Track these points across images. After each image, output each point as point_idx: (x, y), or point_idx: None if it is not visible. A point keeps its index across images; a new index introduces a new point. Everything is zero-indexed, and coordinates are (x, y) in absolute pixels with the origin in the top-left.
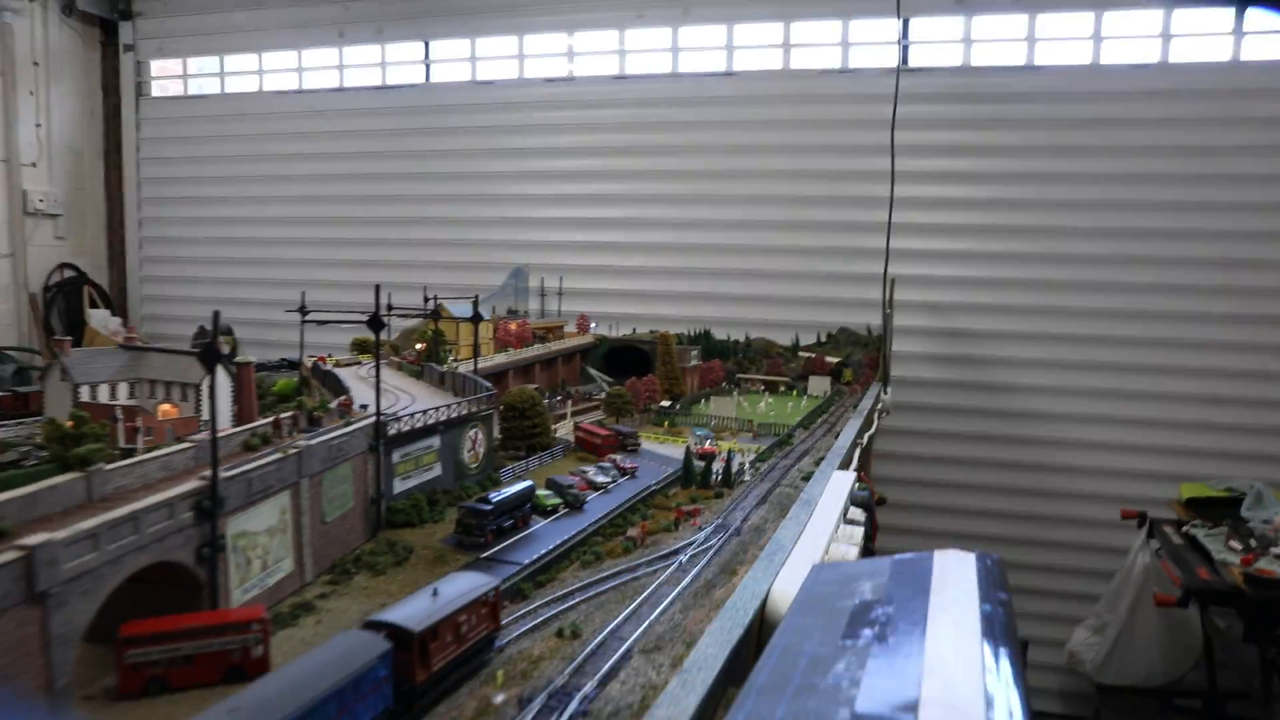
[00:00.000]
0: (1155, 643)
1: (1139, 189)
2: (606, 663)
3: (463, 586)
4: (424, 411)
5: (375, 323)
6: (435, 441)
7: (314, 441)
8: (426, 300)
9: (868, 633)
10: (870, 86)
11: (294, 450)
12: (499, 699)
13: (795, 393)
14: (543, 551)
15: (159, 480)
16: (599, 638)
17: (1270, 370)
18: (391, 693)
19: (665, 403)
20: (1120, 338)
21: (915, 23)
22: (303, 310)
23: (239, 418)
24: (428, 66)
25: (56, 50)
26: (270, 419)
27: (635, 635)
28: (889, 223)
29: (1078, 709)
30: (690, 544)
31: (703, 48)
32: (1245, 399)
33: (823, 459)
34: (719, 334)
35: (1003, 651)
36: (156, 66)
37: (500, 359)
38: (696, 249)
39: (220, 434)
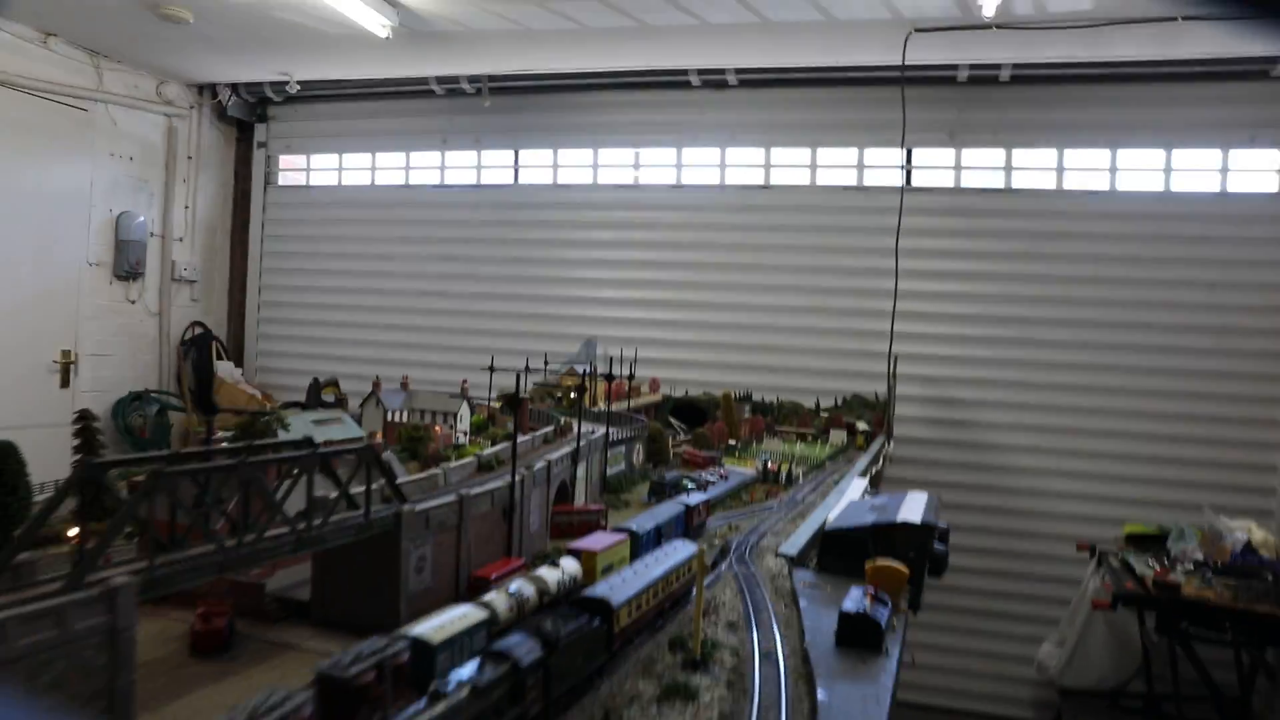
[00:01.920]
0: (1105, 651)
1: (1091, 288)
2: (753, 536)
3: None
4: (620, 432)
5: (514, 399)
6: (623, 449)
7: (587, 441)
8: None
9: (876, 501)
10: (880, 201)
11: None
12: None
13: (820, 442)
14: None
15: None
16: (750, 529)
17: (1196, 436)
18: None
19: (731, 442)
20: (1078, 407)
21: (917, 152)
22: (491, 368)
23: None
24: (517, 171)
25: (206, 146)
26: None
27: (770, 524)
28: (893, 311)
29: (1044, 713)
30: (777, 504)
31: (745, 165)
32: (1178, 459)
33: (844, 475)
34: (756, 396)
35: (930, 511)
36: (284, 160)
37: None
38: (738, 327)
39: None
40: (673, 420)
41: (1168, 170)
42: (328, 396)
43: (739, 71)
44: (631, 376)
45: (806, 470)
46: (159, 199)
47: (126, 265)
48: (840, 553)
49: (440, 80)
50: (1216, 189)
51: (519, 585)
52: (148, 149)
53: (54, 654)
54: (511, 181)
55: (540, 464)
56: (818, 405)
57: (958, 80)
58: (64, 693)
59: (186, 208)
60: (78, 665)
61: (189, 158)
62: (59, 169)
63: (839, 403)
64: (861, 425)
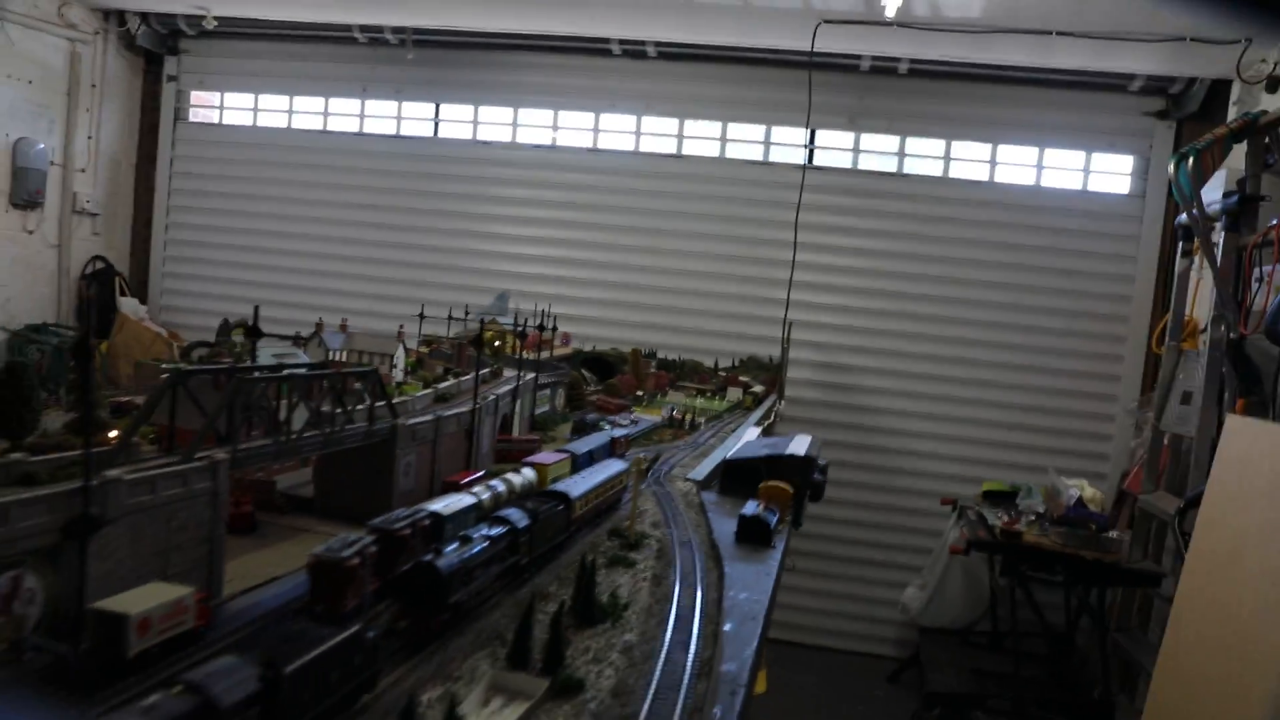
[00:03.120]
0: (961, 593)
1: (965, 269)
2: (664, 466)
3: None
4: (548, 375)
5: (478, 340)
6: (549, 392)
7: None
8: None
9: (768, 440)
10: (783, 177)
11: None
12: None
13: (717, 398)
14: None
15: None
16: (662, 460)
17: (1047, 407)
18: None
19: (639, 393)
20: (949, 376)
21: (820, 133)
22: (421, 315)
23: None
24: (437, 124)
25: (111, 75)
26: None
27: (678, 458)
28: (790, 280)
29: (904, 650)
30: (683, 444)
31: (660, 134)
32: (1031, 426)
33: (741, 424)
34: (661, 354)
35: (813, 448)
36: (195, 97)
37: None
38: (646, 289)
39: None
40: (584, 372)
41: (1039, 166)
42: (236, 337)
43: (658, 44)
44: (546, 329)
45: (707, 420)
46: (60, 127)
47: (24, 194)
48: (738, 479)
49: (364, 29)
50: (1079, 186)
51: (495, 484)
52: (49, 73)
53: (179, 506)
54: (431, 134)
55: (491, 396)
56: (716, 365)
57: (860, 69)
58: (186, 534)
59: (90, 138)
60: (193, 516)
61: (93, 86)
62: None
63: (736, 363)
64: (755, 387)
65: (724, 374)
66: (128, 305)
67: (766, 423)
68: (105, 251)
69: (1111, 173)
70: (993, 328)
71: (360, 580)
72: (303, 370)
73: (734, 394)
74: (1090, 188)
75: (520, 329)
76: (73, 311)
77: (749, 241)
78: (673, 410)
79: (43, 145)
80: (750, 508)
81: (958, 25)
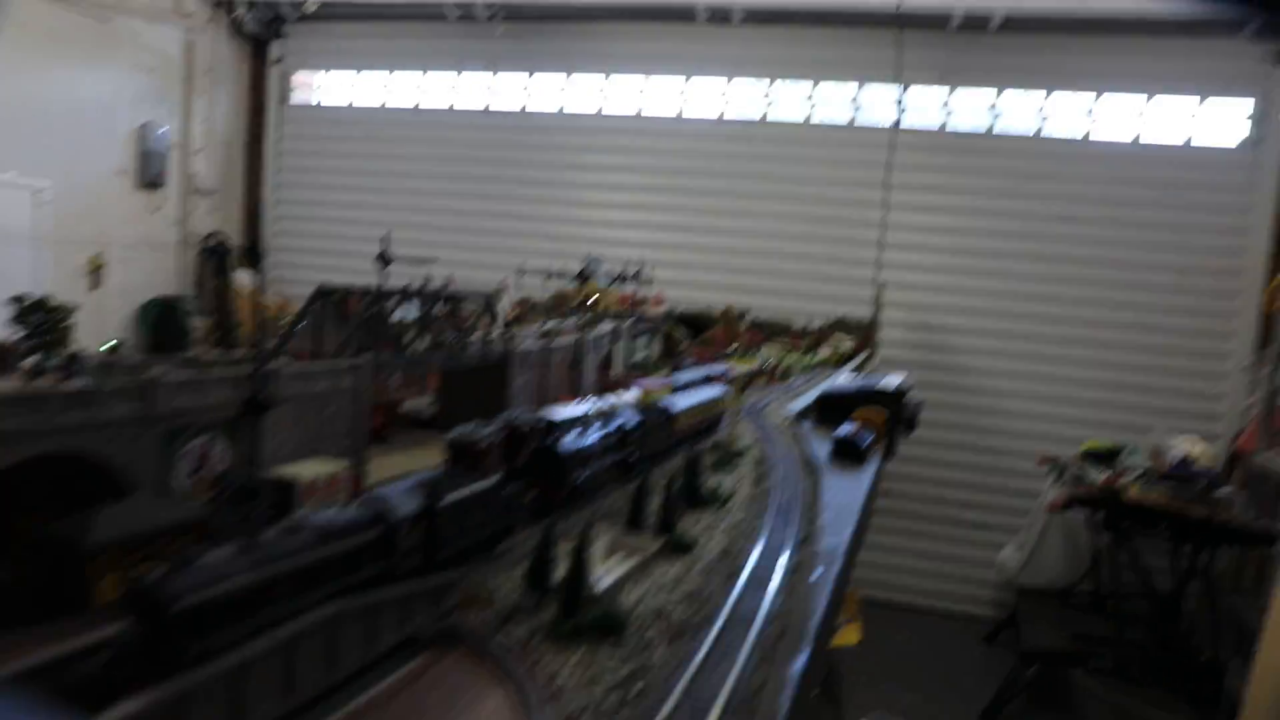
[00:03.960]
0: (1060, 553)
1: (1063, 226)
2: (760, 404)
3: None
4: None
5: (583, 275)
6: (645, 340)
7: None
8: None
9: (861, 378)
10: (872, 139)
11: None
12: None
13: (809, 354)
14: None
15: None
16: (757, 399)
17: (1155, 365)
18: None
19: (733, 347)
20: (1047, 335)
21: (912, 89)
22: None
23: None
24: (527, 96)
25: (222, 61)
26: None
27: (773, 397)
28: (880, 241)
29: (1001, 612)
30: (777, 389)
31: (746, 99)
32: (1137, 385)
33: (833, 376)
34: (752, 314)
35: (905, 383)
36: (297, 78)
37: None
38: (734, 251)
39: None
40: (679, 328)
41: (1143, 119)
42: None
43: (745, 8)
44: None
45: (799, 370)
46: (179, 112)
47: (150, 175)
48: (834, 411)
49: (456, 5)
50: (1184, 141)
51: (602, 402)
52: (168, 62)
53: (332, 397)
54: (521, 108)
55: (594, 334)
56: (807, 325)
57: (951, 26)
58: (336, 424)
59: (205, 121)
60: (341, 407)
61: (206, 71)
62: (86, 78)
63: (827, 324)
64: (846, 343)
65: (814, 333)
66: (241, 277)
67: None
68: (222, 226)
69: (1222, 123)
70: (1095, 285)
71: (490, 460)
72: (428, 291)
73: (825, 351)
74: (1196, 142)
75: (619, 277)
76: (193, 284)
77: (838, 203)
78: (765, 360)
79: (164, 129)
80: (845, 429)
81: None
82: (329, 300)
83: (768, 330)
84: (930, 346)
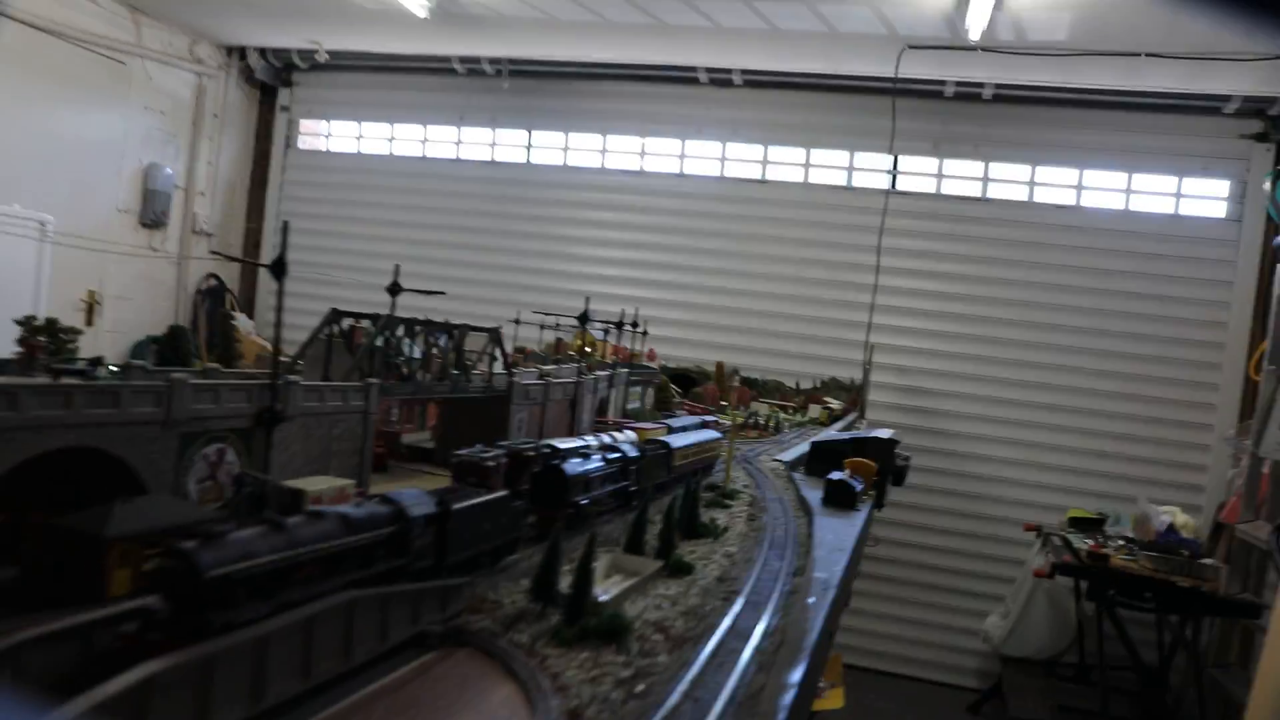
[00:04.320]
0: (1044, 622)
1: (1051, 294)
2: (752, 454)
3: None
4: (641, 373)
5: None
6: (640, 389)
7: (616, 373)
8: (544, 327)
9: (851, 432)
10: (866, 202)
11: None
12: None
13: (799, 413)
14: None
15: None
16: (749, 450)
17: (1138, 435)
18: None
19: (723, 403)
20: (1034, 402)
21: (903, 159)
22: (517, 320)
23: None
24: (529, 151)
25: (231, 106)
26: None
27: (764, 449)
28: (872, 304)
29: (985, 681)
30: (768, 442)
31: (744, 160)
32: (1121, 454)
33: (823, 431)
34: (743, 373)
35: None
36: (304, 125)
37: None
38: (727, 310)
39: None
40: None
41: (1128, 191)
42: None
43: (744, 72)
44: (635, 328)
45: (792, 425)
46: (185, 153)
47: (152, 214)
48: (824, 459)
49: (462, 60)
50: (1171, 211)
51: (601, 436)
52: (178, 104)
53: (339, 417)
54: (524, 160)
55: (591, 378)
56: (798, 385)
57: (944, 95)
58: (342, 444)
59: (210, 164)
60: (349, 428)
61: (215, 116)
62: (96, 117)
63: (817, 384)
64: (834, 404)
65: (805, 393)
66: (239, 322)
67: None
68: (218, 270)
69: (1206, 197)
70: (1081, 353)
71: (494, 481)
72: (436, 321)
73: (815, 410)
74: (1183, 212)
75: (617, 324)
76: (190, 323)
77: (832, 265)
78: (756, 415)
79: (170, 170)
80: (837, 475)
81: (1044, 49)
82: (340, 325)
83: (758, 388)
84: (918, 410)
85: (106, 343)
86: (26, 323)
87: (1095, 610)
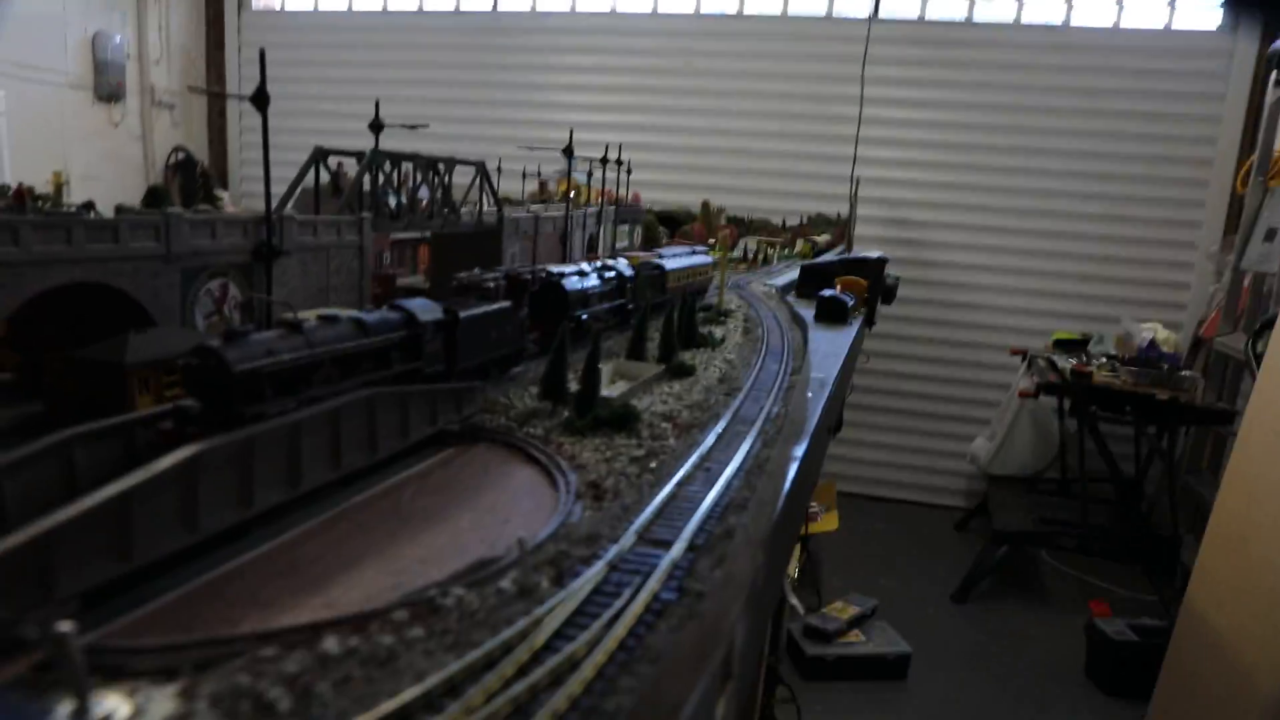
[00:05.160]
0: (1028, 442)
1: (1037, 118)
2: (743, 281)
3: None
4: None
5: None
6: (628, 227)
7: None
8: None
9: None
10: (848, 31)
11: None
12: None
13: (787, 249)
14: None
15: None
16: (740, 279)
17: (1122, 256)
18: None
19: (711, 241)
20: (1020, 228)
21: None
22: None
23: None
24: None
25: None
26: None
27: (756, 278)
28: (856, 136)
29: (972, 501)
30: (759, 272)
31: None
32: (1105, 276)
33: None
34: (730, 212)
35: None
36: None
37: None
38: (712, 150)
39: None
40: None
41: (1121, 3)
42: None
43: None
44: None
45: (780, 259)
46: (132, 19)
47: (107, 87)
48: (815, 280)
49: None
50: (1163, 25)
51: (595, 262)
52: None
53: (336, 250)
54: (490, 9)
55: (579, 213)
56: (784, 221)
57: None
58: (340, 278)
59: (161, 29)
60: (344, 261)
61: None
62: None
63: (804, 220)
64: (819, 238)
65: (792, 228)
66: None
67: None
68: (185, 141)
69: (1201, 5)
70: (1068, 177)
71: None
72: (421, 155)
73: (803, 245)
74: (1175, 25)
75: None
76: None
77: (815, 99)
78: (746, 247)
79: (119, 38)
80: (828, 291)
81: None
82: (326, 164)
83: (745, 226)
84: (905, 242)
85: None
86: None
87: (1077, 426)
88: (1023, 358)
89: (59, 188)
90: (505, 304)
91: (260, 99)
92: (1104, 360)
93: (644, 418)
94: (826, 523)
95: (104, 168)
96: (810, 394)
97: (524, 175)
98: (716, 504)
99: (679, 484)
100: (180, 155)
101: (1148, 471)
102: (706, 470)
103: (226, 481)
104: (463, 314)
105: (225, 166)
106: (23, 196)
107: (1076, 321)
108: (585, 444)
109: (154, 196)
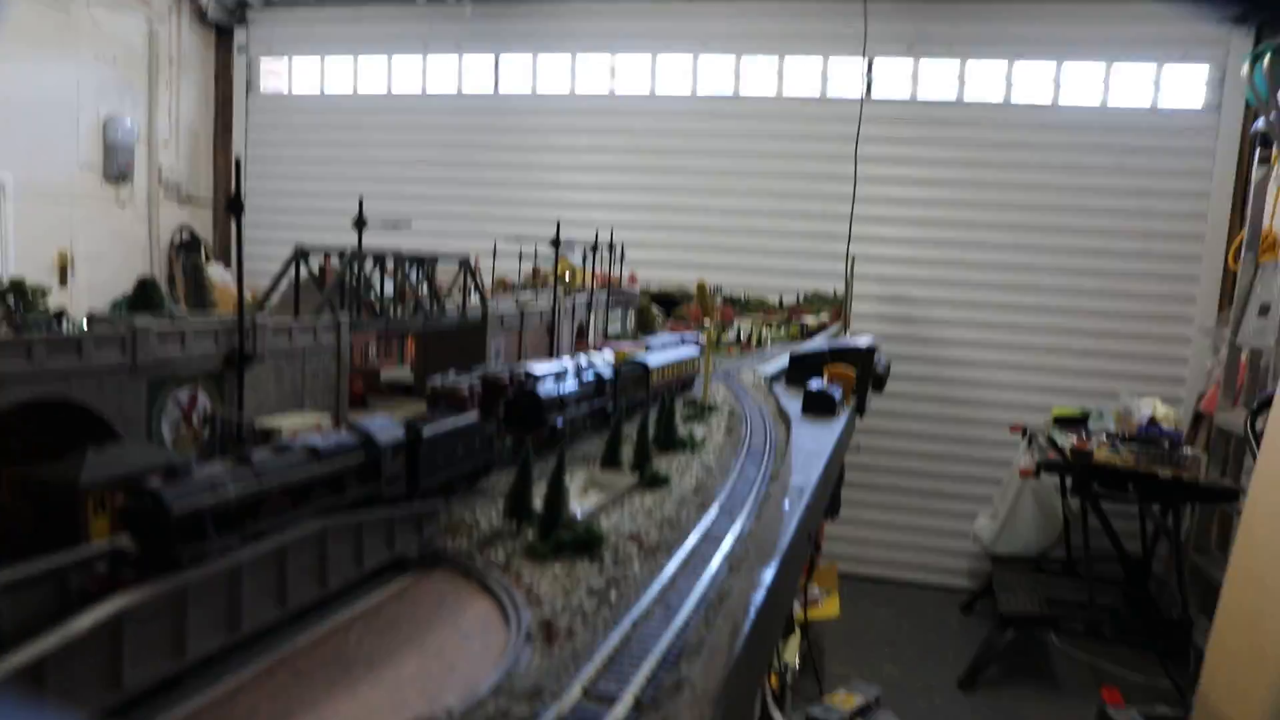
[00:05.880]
0: (1032, 521)
1: (1029, 195)
2: (734, 369)
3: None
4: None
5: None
6: (620, 312)
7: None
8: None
9: (831, 340)
10: (841, 111)
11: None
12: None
13: (783, 328)
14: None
15: None
16: (731, 366)
17: (1120, 331)
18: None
19: (706, 322)
20: (1017, 304)
21: (877, 62)
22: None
23: None
24: (497, 79)
25: (186, 50)
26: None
27: (746, 364)
28: (851, 214)
29: (977, 581)
30: (752, 357)
31: (717, 74)
32: (1103, 351)
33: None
34: (725, 291)
35: (873, 342)
36: (265, 64)
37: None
38: (706, 229)
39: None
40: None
41: (1106, 85)
42: None
43: None
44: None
45: (774, 342)
46: (144, 103)
47: (116, 168)
48: (804, 369)
49: None
50: (1148, 104)
51: (578, 358)
52: (130, 52)
53: (311, 353)
54: (491, 91)
55: (569, 302)
56: (781, 300)
57: None
58: (316, 381)
59: (170, 112)
60: (321, 363)
61: (170, 61)
62: (48, 71)
63: (801, 299)
64: (811, 320)
65: (789, 309)
66: (215, 272)
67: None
68: (191, 221)
69: (1184, 86)
70: (1060, 253)
71: (468, 407)
72: (403, 253)
73: (792, 327)
74: (1161, 105)
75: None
76: (165, 280)
77: (809, 178)
78: (739, 330)
79: (129, 121)
80: (816, 383)
81: None
82: (306, 262)
83: (741, 306)
84: (901, 319)
85: (83, 302)
86: None
87: (1080, 505)
88: (1023, 434)
89: (63, 268)
90: (472, 418)
91: (234, 206)
92: (1104, 437)
93: (610, 538)
94: (828, 608)
95: (109, 246)
96: (787, 503)
97: (520, 256)
98: (670, 649)
99: (635, 623)
100: (185, 235)
101: (1154, 550)
102: (666, 606)
103: (156, 632)
104: (426, 432)
105: (230, 244)
106: None
107: (1076, 396)
108: (546, 571)
109: (144, 289)
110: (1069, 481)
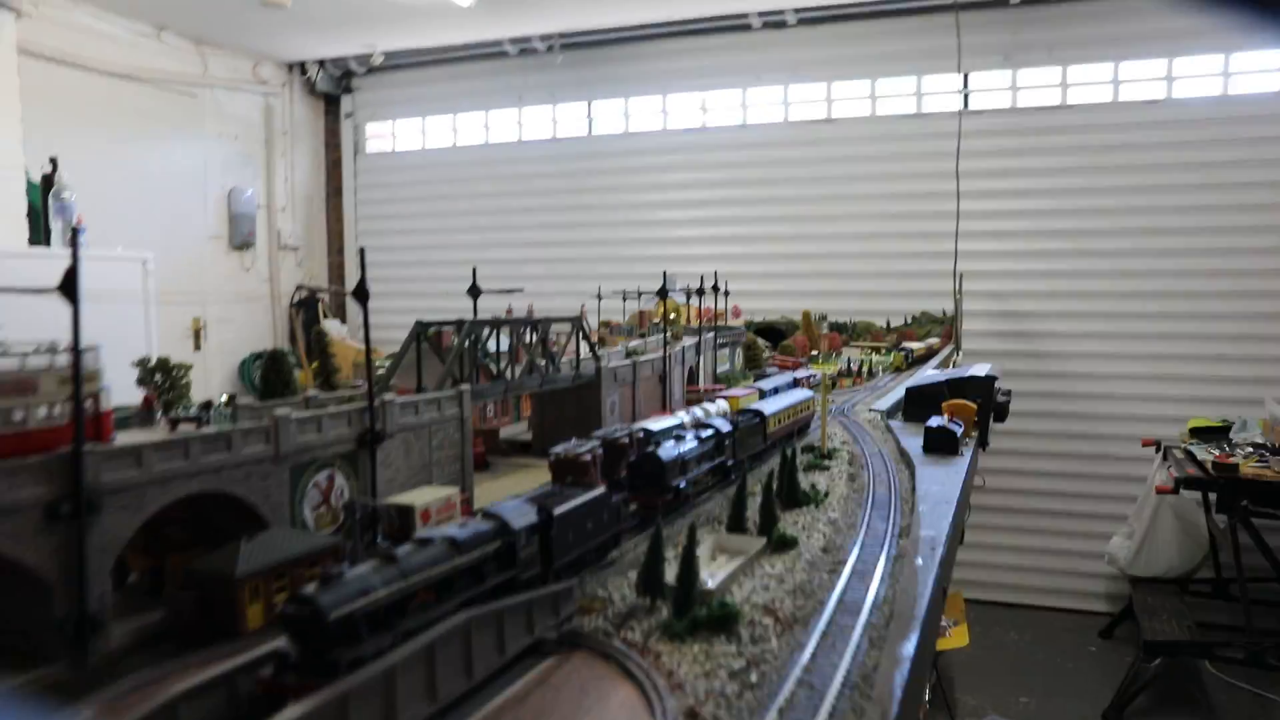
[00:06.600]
0: (1172, 540)
1: (1147, 196)
2: (848, 404)
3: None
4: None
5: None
6: (728, 350)
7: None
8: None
9: (948, 371)
10: (939, 126)
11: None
12: None
13: (893, 353)
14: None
15: None
16: (844, 401)
17: (1257, 333)
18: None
19: (814, 353)
20: (1140, 312)
21: (973, 76)
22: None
23: None
24: (590, 123)
25: (299, 120)
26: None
27: (860, 398)
28: (956, 230)
29: (1115, 605)
30: (864, 389)
31: (808, 101)
32: (1240, 356)
33: (919, 371)
34: (831, 318)
35: (993, 372)
36: (370, 128)
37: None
38: (809, 256)
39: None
40: (757, 339)
41: (1226, 74)
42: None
43: (798, 10)
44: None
45: (884, 370)
46: (262, 173)
47: (240, 236)
48: (921, 404)
49: (514, 41)
50: (1276, 89)
51: (693, 410)
52: (249, 127)
53: (437, 426)
54: (585, 134)
55: (678, 349)
56: (888, 323)
57: (1010, 2)
58: (442, 452)
59: (286, 179)
60: (447, 435)
61: (284, 133)
62: (177, 151)
63: (908, 320)
64: (931, 339)
65: (897, 331)
66: (331, 326)
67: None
68: (307, 280)
69: None
70: (1187, 255)
71: (591, 474)
72: (519, 318)
73: (896, 356)
74: None
75: (698, 291)
76: (286, 336)
77: (910, 196)
78: (849, 362)
79: (250, 191)
80: (936, 420)
81: None
82: (426, 335)
83: (848, 332)
84: (1016, 335)
85: (215, 364)
86: (143, 364)
87: (1228, 523)
88: (1156, 449)
89: (197, 333)
90: (599, 490)
91: (361, 294)
92: (1250, 450)
93: (744, 612)
94: (956, 638)
95: (236, 310)
96: (920, 560)
97: (624, 298)
98: None
99: (780, 710)
100: (303, 294)
101: None
102: (809, 689)
103: None
104: (557, 511)
105: (344, 300)
106: (150, 403)
107: (1215, 406)
108: (684, 652)
109: (274, 362)
110: (1213, 498)
